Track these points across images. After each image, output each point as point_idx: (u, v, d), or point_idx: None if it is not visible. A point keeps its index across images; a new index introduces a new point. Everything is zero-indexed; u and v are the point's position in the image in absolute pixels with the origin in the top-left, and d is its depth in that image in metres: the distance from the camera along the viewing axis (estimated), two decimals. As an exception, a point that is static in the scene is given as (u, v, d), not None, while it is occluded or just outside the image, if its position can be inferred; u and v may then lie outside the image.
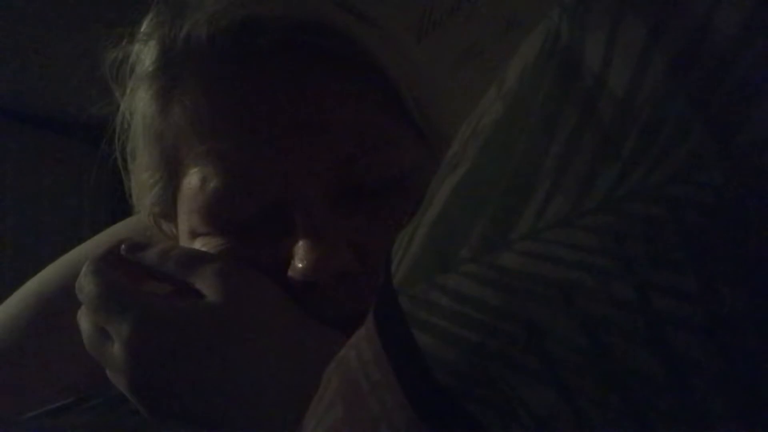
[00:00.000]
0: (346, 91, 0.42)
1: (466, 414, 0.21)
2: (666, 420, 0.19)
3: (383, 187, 0.41)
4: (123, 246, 0.42)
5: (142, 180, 0.47)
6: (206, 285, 0.38)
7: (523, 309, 0.20)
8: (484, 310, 0.21)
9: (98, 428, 0.41)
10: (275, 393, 0.35)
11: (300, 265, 0.39)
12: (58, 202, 2.02)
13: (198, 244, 0.43)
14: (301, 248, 0.39)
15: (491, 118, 0.23)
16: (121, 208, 0.55)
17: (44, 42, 1.64)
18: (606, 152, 0.20)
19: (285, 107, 0.41)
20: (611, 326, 0.19)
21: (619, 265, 0.19)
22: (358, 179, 0.41)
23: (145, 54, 0.45)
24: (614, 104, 0.20)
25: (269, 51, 0.41)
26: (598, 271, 0.19)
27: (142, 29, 0.46)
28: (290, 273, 0.40)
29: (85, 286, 0.39)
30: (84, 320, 0.40)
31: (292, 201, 0.40)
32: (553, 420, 0.20)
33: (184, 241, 0.44)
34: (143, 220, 0.52)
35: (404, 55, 0.45)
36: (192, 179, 0.42)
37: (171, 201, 0.45)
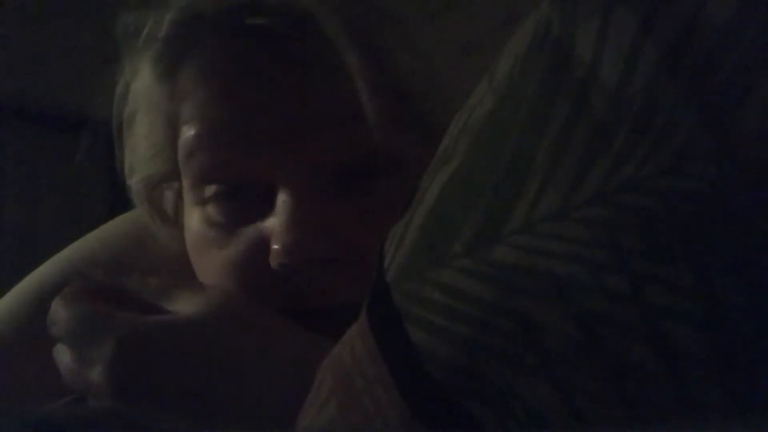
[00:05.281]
0: (348, 78, 0.41)
1: (461, 409, 0.21)
2: (661, 413, 0.19)
3: (376, 175, 0.41)
4: (100, 272, 0.43)
5: (140, 147, 0.47)
6: (182, 306, 0.38)
7: (517, 303, 0.20)
8: (478, 305, 0.21)
9: (103, 421, 0.41)
10: (261, 394, 0.35)
11: (275, 247, 0.38)
12: (58, 200, 2.02)
13: (198, 212, 0.43)
14: (277, 230, 0.39)
15: (482, 111, 0.23)
16: (120, 205, 0.55)
17: (45, 39, 1.64)
18: (598, 144, 0.20)
19: (286, 92, 0.41)
20: (606, 320, 0.19)
21: (613, 258, 0.19)
22: (350, 166, 0.41)
23: (156, 22, 0.45)
24: (606, 96, 0.20)
25: (274, 31, 0.41)
26: (592, 265, 0.19)
27: None
28: (269, 258, 0.39)
29: (60, 318, 0.39)
30: (61, 354, 0.39)
31: (278, 180, 0.40)
32: (547, 414, 0.20)
33: (189, 209, 0.44)
34: (139, 217, 0.52)
35: (411, 44, 0.45)
36: (188, 137, 0.42)
37: (171, 167, 0.45)
